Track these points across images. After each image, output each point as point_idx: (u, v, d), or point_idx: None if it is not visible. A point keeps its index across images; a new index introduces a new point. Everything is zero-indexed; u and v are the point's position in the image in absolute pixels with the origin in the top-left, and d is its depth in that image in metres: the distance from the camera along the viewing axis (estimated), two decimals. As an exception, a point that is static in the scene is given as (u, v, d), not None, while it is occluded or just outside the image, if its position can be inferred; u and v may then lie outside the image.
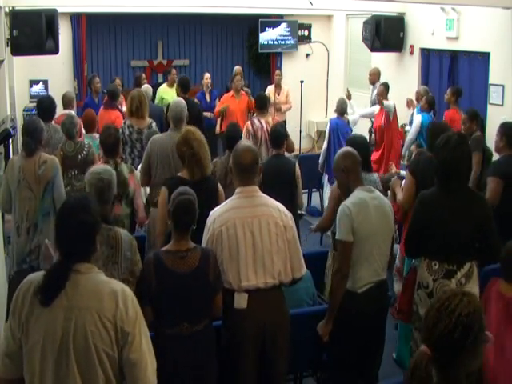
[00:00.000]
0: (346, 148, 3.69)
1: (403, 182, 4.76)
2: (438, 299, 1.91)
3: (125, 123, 5.92)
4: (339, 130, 7.14)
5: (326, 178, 7.37)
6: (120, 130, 5.76)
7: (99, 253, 2.93)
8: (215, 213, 3.18)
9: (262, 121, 6.20)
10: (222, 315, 3.23)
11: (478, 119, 5.74)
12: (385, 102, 7.32)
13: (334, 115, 7.49)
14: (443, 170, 3.42)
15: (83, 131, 6.20)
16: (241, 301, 3.09)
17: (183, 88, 7.47)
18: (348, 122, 7.38)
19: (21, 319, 2.09)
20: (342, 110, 7.33)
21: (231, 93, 8.32)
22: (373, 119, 7.91)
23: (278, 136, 5.30)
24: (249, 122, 6.38)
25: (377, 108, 7.66)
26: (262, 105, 6.42)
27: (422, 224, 3.43)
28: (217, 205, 3.81)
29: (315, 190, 8.02)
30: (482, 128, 5.86)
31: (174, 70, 9.24)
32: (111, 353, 2.08)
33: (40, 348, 2.06)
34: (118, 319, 2.07)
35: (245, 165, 3.18)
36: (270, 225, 3.11)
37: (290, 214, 3.23)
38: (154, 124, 5.92)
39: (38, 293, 2.07)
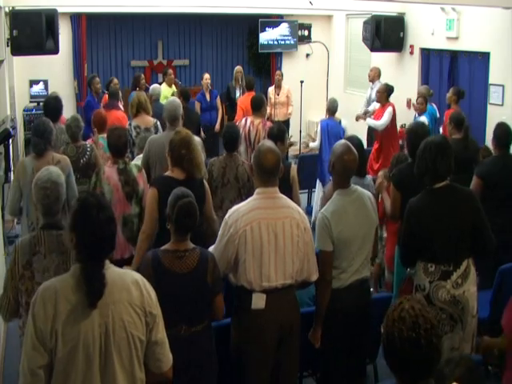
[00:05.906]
0: (346, 146, 3.46)
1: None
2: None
3: (130, 125, 5.92)
4: (330, 130, 7.04)
5: (317, 181, 7.32)
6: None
7: (49, 261, 2.88)
8: (237, 212, 3.10)
9: (249, 120, 6.17)
10: (232, 316, 3.22)
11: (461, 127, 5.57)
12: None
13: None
14: (421, 170, 3.42)
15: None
16: (259, 301, 3.07)
17: (183, 96, 7.47)
18: (340, 121, 7.28)
19: (53, 329, 2.06)
20: (333, 109, 7.20)
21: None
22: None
23: (276, 135, 5.26)
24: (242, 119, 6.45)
25: (376, 105, 7.62)
26: (254, 106, 6.35)
27: (414, 234, 3.41)
28: (204, 205, 3.79)
29: (315, 190, 7.99)
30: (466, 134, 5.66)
31: (170, 71, 9.21)
32: (143, 338, 2.19)
33: (80, 350, 2.07)
34: (146, 305, 2.19)
35: (267, 166, 3.13)
36: (293, 227, 3.11)
37: (307, 217, 3.24)
38: (158, 123, 5.96)
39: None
